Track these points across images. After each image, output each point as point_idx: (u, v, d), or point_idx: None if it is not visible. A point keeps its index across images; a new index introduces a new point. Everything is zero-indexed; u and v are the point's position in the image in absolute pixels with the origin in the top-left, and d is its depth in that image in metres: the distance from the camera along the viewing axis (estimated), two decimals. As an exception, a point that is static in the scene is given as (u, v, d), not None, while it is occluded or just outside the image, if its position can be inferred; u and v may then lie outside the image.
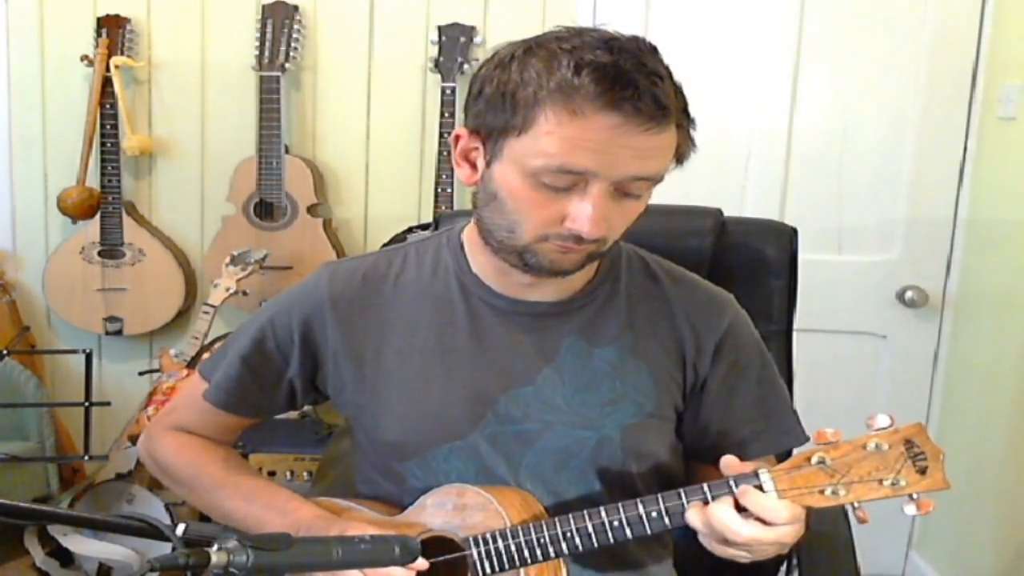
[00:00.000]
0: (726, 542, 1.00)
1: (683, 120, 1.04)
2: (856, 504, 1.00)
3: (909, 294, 2.54)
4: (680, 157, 1.07)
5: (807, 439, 1.19)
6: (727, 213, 1.58)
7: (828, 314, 2.56)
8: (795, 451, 1.14)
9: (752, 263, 1.54)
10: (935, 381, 2.61)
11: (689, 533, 1.04)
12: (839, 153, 2.56)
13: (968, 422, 2.47)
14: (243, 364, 1.24)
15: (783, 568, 1.43)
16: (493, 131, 1.04)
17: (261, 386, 1.26)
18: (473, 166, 1.10)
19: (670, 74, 1.02)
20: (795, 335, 1.58)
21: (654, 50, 1.02)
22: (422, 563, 1.03)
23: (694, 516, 1.01)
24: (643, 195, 1.07)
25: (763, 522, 0.98)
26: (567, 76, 0.97)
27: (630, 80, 0.96)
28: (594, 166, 0.99)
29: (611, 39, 1.00)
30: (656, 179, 1.04)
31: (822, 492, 0.99)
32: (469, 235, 1.20)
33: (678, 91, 1.03)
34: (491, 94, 1.03)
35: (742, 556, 1.02)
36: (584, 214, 1.01)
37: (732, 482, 1.01)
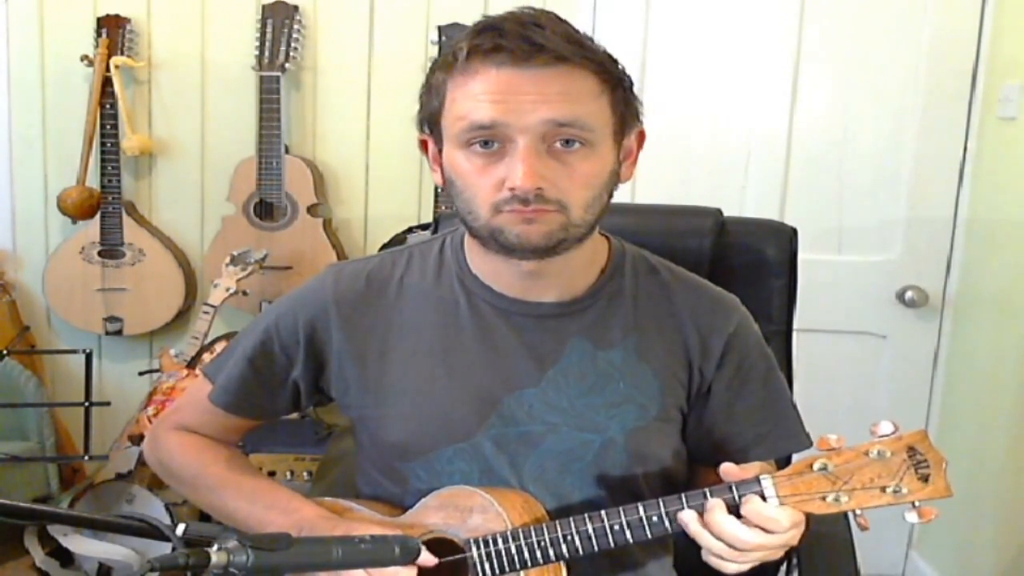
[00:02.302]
0: (733, 550, 1.00)
1: (595, 68, 1.05)
2: (858, 511, 1.00)
3: (909, 294, 2.54)
4: (622, 115, 1.09)
5: (811, 443, 1.19)
6: (727, 213, 1.58)
7: (828, 314, 2.56)
8: (797, 456, 1.13)
9: (752, 263, 1.54)
10: (935, 381, 2.60)
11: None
12: (839, 153, 2.56)
13: (968, 422, 2.46)
14: (248, 366, 1.24)
15: (783, 568, 1.43)
16: (430, 123, 1.12)
17: (265, 388, 1.26)
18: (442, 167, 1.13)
19: (570, 30, 1.05)
20: (795, 335, 1.57)
21: (548, 14, 1.06)
22: (427, 557, 1.03)
23: (695, 526, 1.01)
24: (586, 151, 1.06)
25: (765, 530, 0.99)
26: (458, 48, 1.06)
27: (497, 28, 1.03)
28: (499, 115, 1.02)
29: (508, 12, 1.06)
30: (579, 125, 1.04)
31: (824, 499, 0.99)
32: (470, 237, 1.20)
33: (574, 39, 1.05)
34: (421, 95, 1.12)
35: (750, 561, 1.02)
36: (514, 170, 1.03)
37: (733, 487, 1.01)
